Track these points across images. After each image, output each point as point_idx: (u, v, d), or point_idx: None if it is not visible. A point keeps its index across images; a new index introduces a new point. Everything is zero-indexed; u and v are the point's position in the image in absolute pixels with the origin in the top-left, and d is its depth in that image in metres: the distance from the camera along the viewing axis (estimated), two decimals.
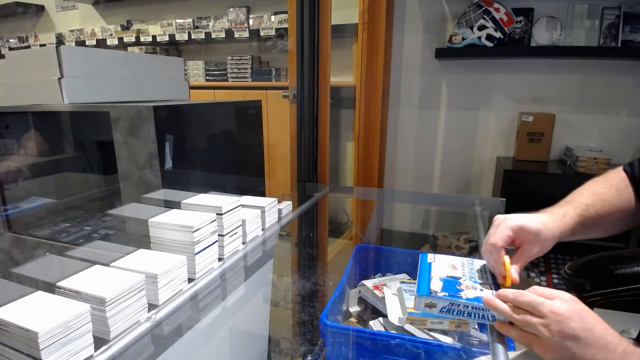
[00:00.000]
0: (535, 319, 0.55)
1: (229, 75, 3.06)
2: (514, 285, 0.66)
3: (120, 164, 1.14)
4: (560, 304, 0.55)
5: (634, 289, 1.06)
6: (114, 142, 1.13)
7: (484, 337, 1.00)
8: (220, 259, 0.90)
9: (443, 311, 0.66)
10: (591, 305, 1.13)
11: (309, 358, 0.86)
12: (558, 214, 0.72)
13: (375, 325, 1.02)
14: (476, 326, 1.03)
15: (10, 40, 4.10)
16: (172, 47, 3.36)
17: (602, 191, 0.76)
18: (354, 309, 1.15)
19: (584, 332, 0.52)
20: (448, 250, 2.07)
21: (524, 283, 1.08)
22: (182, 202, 0.93)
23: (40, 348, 0.50)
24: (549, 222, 0.70)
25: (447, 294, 0.66)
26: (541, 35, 2.09)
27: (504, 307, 0.60)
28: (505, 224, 0.69)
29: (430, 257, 0.81)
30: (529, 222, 0.68)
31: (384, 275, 1.32)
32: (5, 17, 4.02)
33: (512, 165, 2.11)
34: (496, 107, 2.31)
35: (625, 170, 0.78)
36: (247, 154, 1.62)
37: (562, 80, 2.15)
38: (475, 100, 2.33)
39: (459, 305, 0.64)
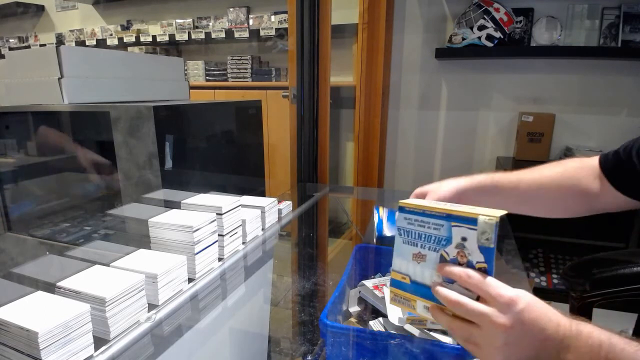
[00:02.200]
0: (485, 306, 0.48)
1: (229, 75, 3.06)
2: None
3: (120, 164, 1.14)
4: (519, 295, 0.48)
5: (633, 289, 1.06)
6: (114, 142, 1.13)
7: None
8: (220, 259, 0.90)
9: None
10: (591, 305, 1.13)
11: (309, 358, 0.86)
12: (471, 176, 0.77)
13: (375, 325, 1.01)
14: None
15: (10, 40, 4.10)
16: (172, 47, 3.36)
17: (540, 168, 0.77)
18: (354, 309, 1.15)
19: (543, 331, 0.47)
20: None
21: (525, 283, 1.08)
22: (182, 202, 0.93)
23: (40, 348, 0.50)
24: (453, 180, 0.76)
25: None
26: (541, 35, 2.09)
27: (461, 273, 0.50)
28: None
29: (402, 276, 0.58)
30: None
31: (384, 275, 1.31)
32: (5, 17, 4.02)
33: (512, 165, 2.11)
34: (496, 107, 2.31)
35: (601, 156, 0.76)
36: (247, 154, 1.62)
37: (562, 80, 2.15)
38: (475, 100, 2.33)
39: None
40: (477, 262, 0.51)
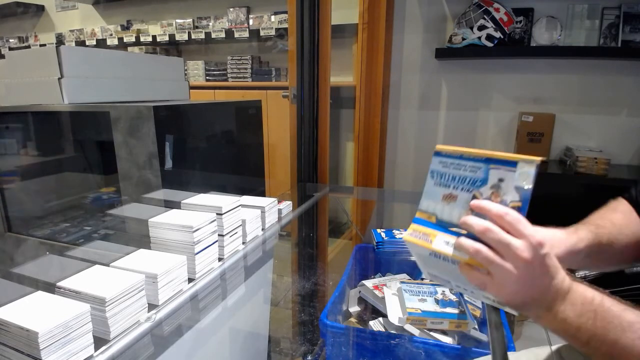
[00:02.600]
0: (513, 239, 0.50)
1: (229, 75, 3.06)
2: None
3: (120, 164, 1.14)
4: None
5: (633, 289, 1.06)
6: (114, 142, 1.13)
7: (484, 337, 1.00)
8: (220, 259, 0.90)
9: None
10: None
11: (309, 358, 0.87)
12: (570, 230, 0.68)
13: (375, 325, 1.02)
14: (476, 326, 1.03)
15: (10, 40, 4.10)
16: (172, 47, 3.36)
17: (614, 216, 0.72)
18: (354, 309, 1.15)
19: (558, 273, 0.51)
20: None
21: None
22: (182, 202, 0.93)
23: (40, 348, 0.50)
24: (560, 233, 0.66)
25: None
26: (541, 35, 2.09)
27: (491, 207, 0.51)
28: None
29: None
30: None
31: (384, 275, 1.32)
32: (5, 17, 4.02)
33: None
34: (496, 107, 2.31)
35: (625, 198, 0.74)
36: (247, 154, 1.62)
37: (562, 80, 2.15)
38: (475, 100, 2.33)
39: None
40: (512, 202, 0.52)
